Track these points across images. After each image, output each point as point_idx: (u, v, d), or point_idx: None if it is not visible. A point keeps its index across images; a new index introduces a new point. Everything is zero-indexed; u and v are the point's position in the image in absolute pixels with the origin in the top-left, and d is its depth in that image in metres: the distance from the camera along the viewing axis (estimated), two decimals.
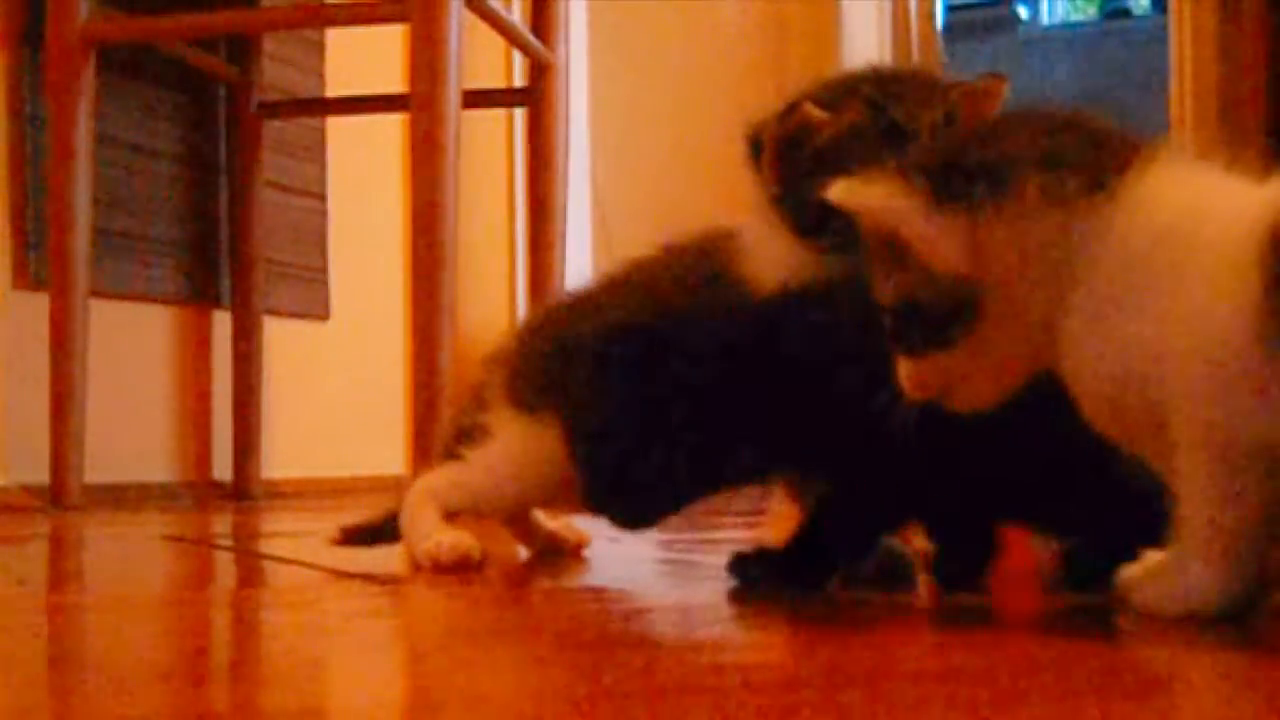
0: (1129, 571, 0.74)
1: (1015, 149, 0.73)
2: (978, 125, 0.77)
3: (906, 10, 3.79)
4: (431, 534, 1.05)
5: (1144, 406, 0.69)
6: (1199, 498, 0.69)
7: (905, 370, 0.75)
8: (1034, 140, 0.73)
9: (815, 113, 0.91)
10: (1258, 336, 0.65)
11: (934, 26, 3.97)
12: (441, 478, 1.08)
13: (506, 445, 1.05)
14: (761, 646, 0.70)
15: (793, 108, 0.91)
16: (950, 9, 5.72)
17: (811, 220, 0.90)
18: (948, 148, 0.75)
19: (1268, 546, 0.70)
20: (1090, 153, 0.72)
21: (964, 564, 0.90)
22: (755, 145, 0.96)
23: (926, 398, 0.75)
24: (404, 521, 1.09)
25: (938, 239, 0.72)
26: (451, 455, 1.10)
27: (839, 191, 0.74)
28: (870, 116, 0.89)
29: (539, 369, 1.04)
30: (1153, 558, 0.74)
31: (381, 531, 1.17)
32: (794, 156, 0.92)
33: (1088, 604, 0.82)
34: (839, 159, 0.88)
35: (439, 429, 1.93)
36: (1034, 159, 0.72)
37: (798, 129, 0.91)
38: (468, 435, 1.08)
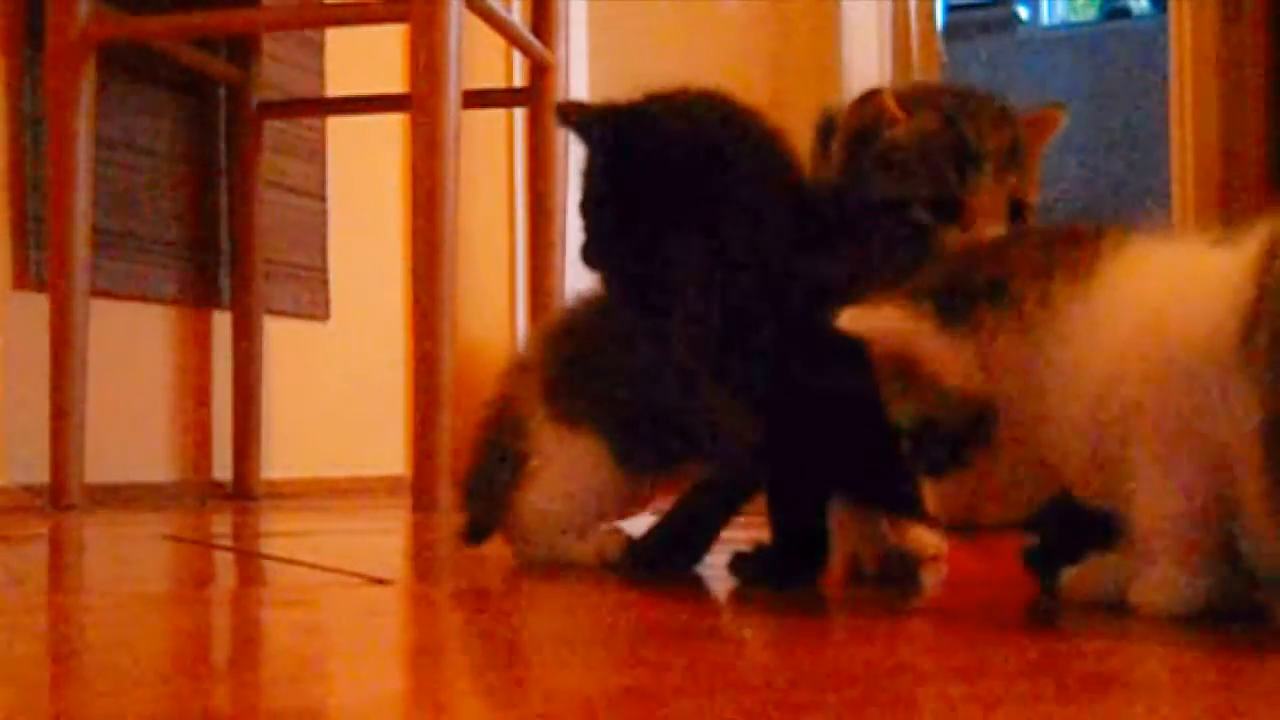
0: (1070, 574, 0.77)
1: (1013, 264, 0.75)
2: (975, 246, 0.81)
3: (906, 10, 3.79)
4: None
5: (1113, 433, 0.70)
6: (1164, 504, 0.70)
7: (931, 492, 0.76)
8: (1031, 253, 0.75)
9: (892, 106, 0.91)
10: (1233, 359, 0.66)
11: (934, 26, 3.97)
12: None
13: (567, 465, 1.06)
14: (762, 646, 0.70)
15: (870, 95, 0.92)
16: (950, 9, 5.71)
17: (867, 213, 0.91)
18: (950, 269, 0.77)
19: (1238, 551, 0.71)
20: (1077, 253, 0.74)
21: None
22: (825, 132, 0.96)
23: (958, 517, 0.76)
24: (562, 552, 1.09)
25: (948, 359, 0.73)
26: (494, 479, 1.10)
27: (849, 319, 0.76)
28: (943, 128, 0.90)
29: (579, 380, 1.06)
30: (1096, 560, 0.76)
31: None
32: (861, 148, 0.92)
33: (1087, 604, 0.82)
34: (905, 161, 0.89)
35: (440, 436, 1.93)
36: (1031, 271, 0.74)
37: (873, 119, 0.91)
38: (511, 458, 1.09)
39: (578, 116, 1.08)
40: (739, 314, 0.93)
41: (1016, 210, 0.90)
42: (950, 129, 0.90)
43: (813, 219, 0.94)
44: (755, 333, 0.92)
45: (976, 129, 0.90)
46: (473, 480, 1.11)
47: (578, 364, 1.06)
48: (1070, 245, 0.75)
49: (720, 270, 0.94)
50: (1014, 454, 0.74)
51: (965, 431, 0.74)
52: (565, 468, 1.04)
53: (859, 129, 0.92)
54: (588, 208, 1.04)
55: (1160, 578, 0.72)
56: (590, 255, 1.03)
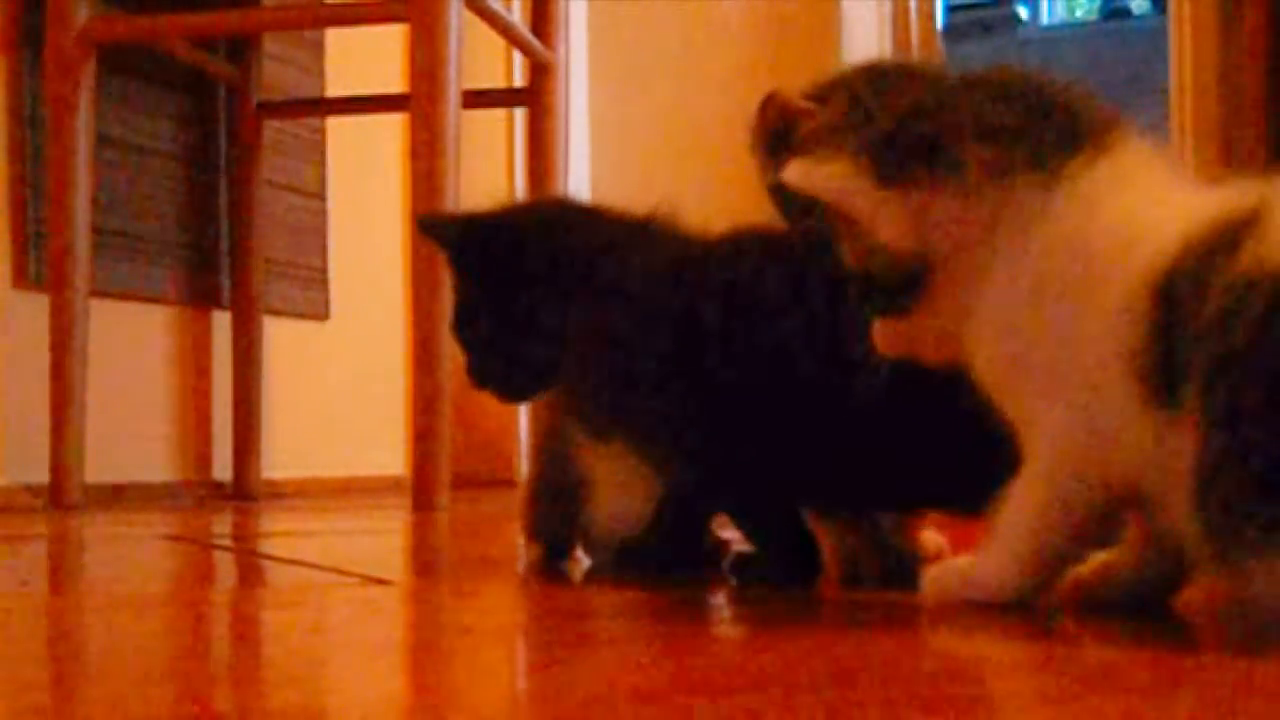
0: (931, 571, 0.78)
1: (958, 121, 0.73)
2: (926, 92, 0.77)
3: (906, 10, 3.79)
4: None
5: (1015, 405, 0.72)
6: (1025, 511, 0.71)
7: (875, 330, 0.78)
8: (978, 110, 0.73)
9: (796, 103, 0.90)
10: (1135, 386, 0.66)
11: (934, 26, 3.97)
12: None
13: (613, 483, 1.05)
14: (761, 646, 0.70)
15: (770, 97, 0.91)
16: (950, 9, 5.72)
17: (799, 208, 0.91)
18: (893, 121, 0.75)
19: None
20: (1036, 125, 0.72)
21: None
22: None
23: (895, 355, 0.78)
24: None
25: (883, 219, 0.73)
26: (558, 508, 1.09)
27: (791, 173, 0.76)
28: (850, 109, 0.90)
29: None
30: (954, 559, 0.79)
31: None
32: (778, 147, 0.92)
33: (1087, 603, 0.82)
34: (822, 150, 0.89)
35: (440, 436, 1.93)
36: (977, 132, 0.72)
37: (779, 119, 0.91)
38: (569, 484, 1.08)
39: (438, 227, 1.10)
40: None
41: None
42: (857, 109, 0.89)
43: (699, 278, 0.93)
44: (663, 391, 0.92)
45: (884, 102, 0.90)
46: (538, 511, 1.10)
47: (596, 379, 1.05)
48: (1038, 113, 0.73)
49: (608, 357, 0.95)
50: (948, 306, 0.74)
51: (897, 287, 0.75)
52: (613, 487, 1.04)
53: (772, 132, 0.92)
54: (460, 327, 1.05)
55: (976, 573, 0.74)
56: (475, 374, 1.05)
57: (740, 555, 0.94)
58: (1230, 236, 0.64)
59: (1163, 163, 0.73)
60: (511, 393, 1.07)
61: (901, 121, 0.74)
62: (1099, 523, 0.72)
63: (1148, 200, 0.70)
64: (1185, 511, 0.65)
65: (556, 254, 1.01)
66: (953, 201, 0.72)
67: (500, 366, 1.04)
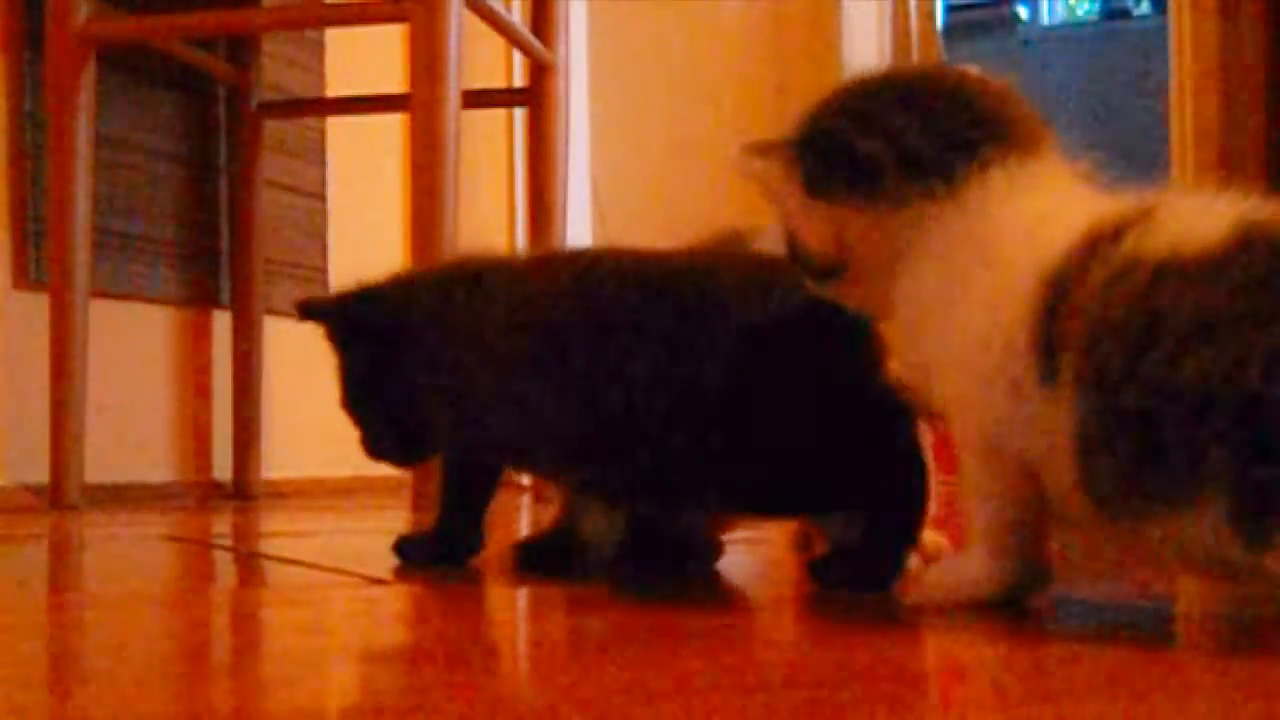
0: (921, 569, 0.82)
1: (881, 144, 0.77)
2: (861, 96, 0.81)
3: (906, 10, 3.79)
4: None
5: (936, 395, 0.77)
6: (971, 496, 0.76)
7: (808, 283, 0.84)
8: (902, 133, 0.77)
9: None
10: (1028, 368, 0.70)
11: (934, 26, 3.97)
12: None
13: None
14: (761, 646, 0.70)
15: None
16: (950, 9, 5.72)
17: None
18: (830, 129, 0.79)
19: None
20: (946, 153, 0.76)
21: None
22: None
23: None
24: None
25: (806, 225, 0.80)
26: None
27: (736, 155, 0.82)
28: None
29: None
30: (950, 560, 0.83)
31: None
32: None
33: (1089, 602, 0.82)
34: None
35: None
36: (895, 159, 0.76)
37: None
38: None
39: (317, 308, 1.14)
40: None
41: None
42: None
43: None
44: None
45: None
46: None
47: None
48: (948, 140, 0.76)
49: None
50: (866, 290, 0.80)
51: (820, 270, 0.81)
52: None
53: None
54: (348, 404, 1.11)
55: (964, 574, 0.77)
56: (368, 447, 1.12)
57: (821, 558, 0.93)
58: (1117, 229, 0.68)
59: (1067, 168, 0.77)
60: (406, 460, 1.14)
61: (841, 127, 0.79)
62: (1036, 492, 0.74)
63: (1043, 204, 0.75)
64: (1066, 479, 0.69)
65: (431, 321, 1.05)
66: (868, 219, 0.77)
67: (391, 437, 1.10)
